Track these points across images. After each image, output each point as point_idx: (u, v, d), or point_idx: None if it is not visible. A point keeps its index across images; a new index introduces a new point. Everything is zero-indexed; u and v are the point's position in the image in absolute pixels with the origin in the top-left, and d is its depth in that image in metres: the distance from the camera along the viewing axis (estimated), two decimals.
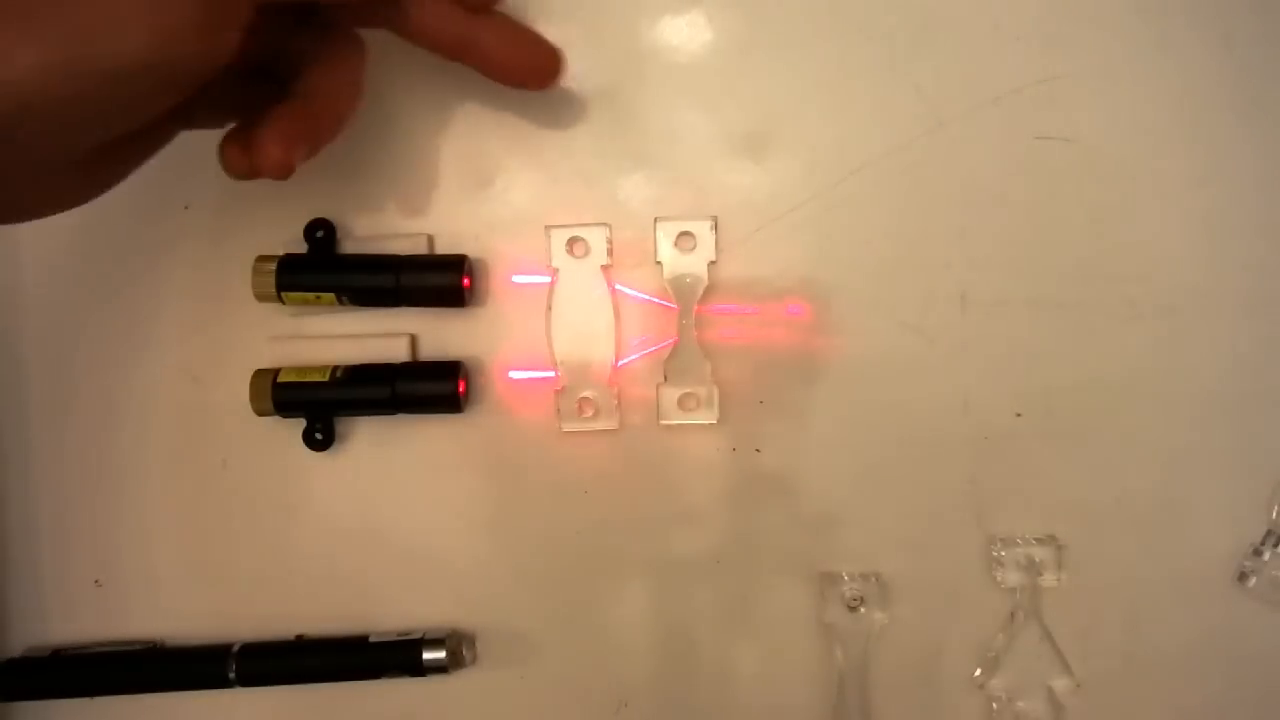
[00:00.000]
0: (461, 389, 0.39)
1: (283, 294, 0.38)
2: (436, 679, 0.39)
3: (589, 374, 0.39)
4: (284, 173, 0.31)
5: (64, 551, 0.41)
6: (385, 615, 0.40)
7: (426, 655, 0.39)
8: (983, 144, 0.39)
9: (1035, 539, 0.40)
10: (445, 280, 0.39)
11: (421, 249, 0.39)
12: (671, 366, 0.39)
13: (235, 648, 0.39)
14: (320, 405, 0.39)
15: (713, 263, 0.39)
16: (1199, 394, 0.40)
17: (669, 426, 0.40)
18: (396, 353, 0.39)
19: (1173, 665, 0.40)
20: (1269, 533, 0.39)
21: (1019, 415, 0.40)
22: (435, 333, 0.40)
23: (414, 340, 0.40)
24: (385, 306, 0.40)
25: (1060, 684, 0.40)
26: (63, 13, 0.25)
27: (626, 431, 0.40)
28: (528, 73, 0.36)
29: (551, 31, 0.36)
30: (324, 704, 0.41)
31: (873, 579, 0.40)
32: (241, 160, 0.31)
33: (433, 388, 0.39)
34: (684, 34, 0.39)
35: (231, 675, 0.39)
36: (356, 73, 0.34)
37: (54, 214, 0.30)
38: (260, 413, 0.39)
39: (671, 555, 0.40)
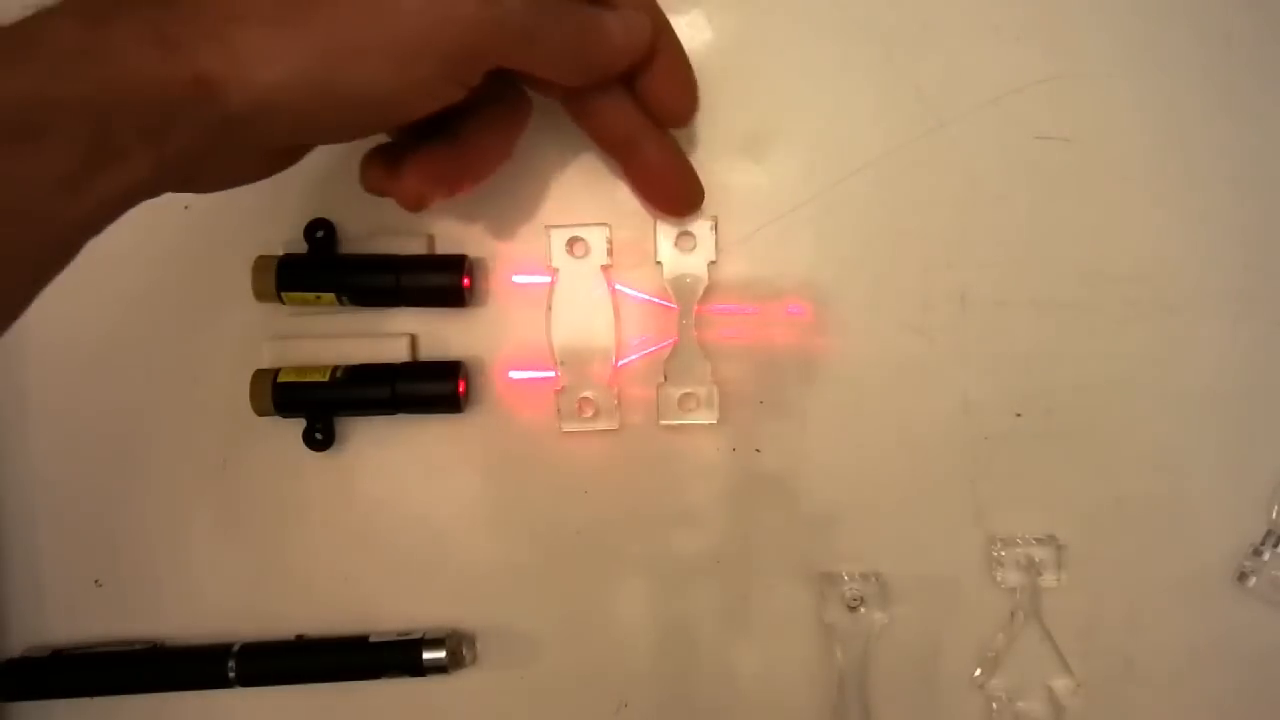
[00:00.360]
0: (461, 389, 0.39)
1: (283, 294, 0.38)
2: (436, 679, 0.39)
3: (589, 374, 0.39)
4: (416, 206, 0.33)
5: (64, 551, 0.41)
6: (385, 615, 0.40)
7: (426, 655, 0.38)
8: (983, 144, 0.39)
9: (1035, 539, 0.40)
10: (445, 280, 0.39)
11: (421, 249, 0.39)
12: (671, 366, 0.39)
13: (235, 648, 0.39)
14: (320, 405, 0.39)
15: (713, 263, 0.39)
16: (1199, 394, 0.40)
17: (669, 426, 0.39)
18: (396, 353, 0.39)
19: (1173, 665, 0.40)
20: (1269, 533, 0.39)
21: (1019, 415, 0.40)
22: (435, 333, 0.40)
23: (414, 340, 0.40)
24: (385, 306, 0.40)
25: (1060, 684, 0.40)
26: (329, 39, 0.27)
27: (626, 431, 0.40)
28: (670, 199, 0.38)
29: None
30: (324, 704, 0.41)
31: (873, 579, 0.40)
32: (382, 181, 0.33)
33: (433, 388, 0.39)
34: (684, 34, 0.39)
35: (231, 675, 0.39)
36: (515, 134, 0.35)
37: (231, 188, 0.31)
38: (260, 413, 0.39)
39: (671, 555, 0.40)
